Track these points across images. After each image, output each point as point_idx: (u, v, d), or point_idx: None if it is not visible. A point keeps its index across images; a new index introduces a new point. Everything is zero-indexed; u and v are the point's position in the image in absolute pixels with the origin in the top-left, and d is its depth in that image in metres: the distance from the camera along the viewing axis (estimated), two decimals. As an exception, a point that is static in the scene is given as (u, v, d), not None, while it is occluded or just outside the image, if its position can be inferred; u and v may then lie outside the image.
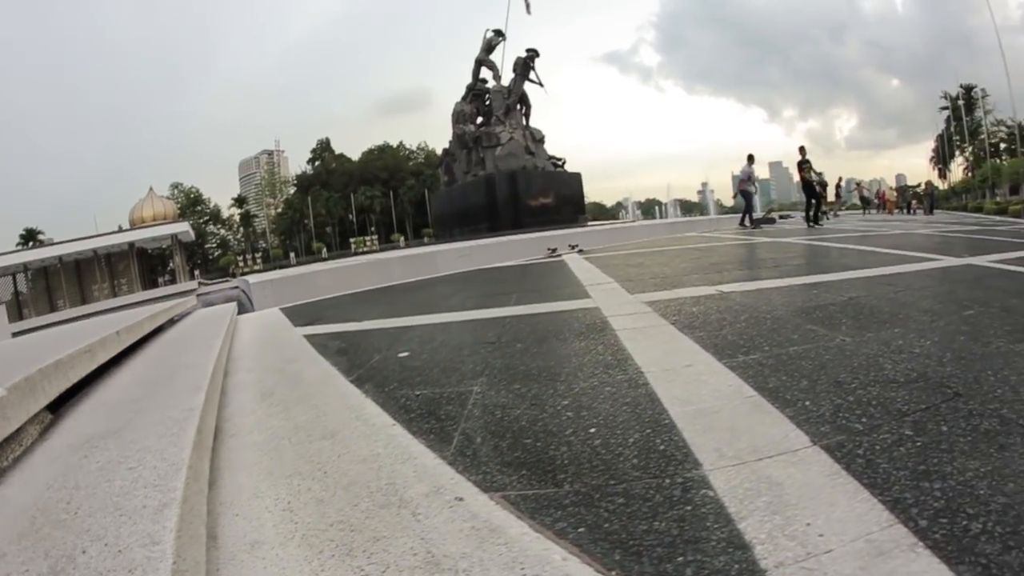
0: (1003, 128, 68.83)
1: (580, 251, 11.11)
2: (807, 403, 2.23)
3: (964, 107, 73.67)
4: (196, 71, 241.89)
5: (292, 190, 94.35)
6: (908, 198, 42.92)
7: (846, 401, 2.23)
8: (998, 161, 59.05)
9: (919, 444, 1.84)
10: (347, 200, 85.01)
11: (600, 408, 2.31)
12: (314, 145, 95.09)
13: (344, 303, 7.21)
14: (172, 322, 5.63)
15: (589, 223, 24.63)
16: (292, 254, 72.78)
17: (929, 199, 37.53)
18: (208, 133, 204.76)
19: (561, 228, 18.07)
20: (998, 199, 50.55)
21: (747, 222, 18.16)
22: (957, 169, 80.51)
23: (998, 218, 26.84)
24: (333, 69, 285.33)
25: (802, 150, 17.34)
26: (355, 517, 1.53)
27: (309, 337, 4.61)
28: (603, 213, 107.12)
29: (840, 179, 39.47)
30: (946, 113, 79.87)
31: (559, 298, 5.29)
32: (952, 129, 76.60)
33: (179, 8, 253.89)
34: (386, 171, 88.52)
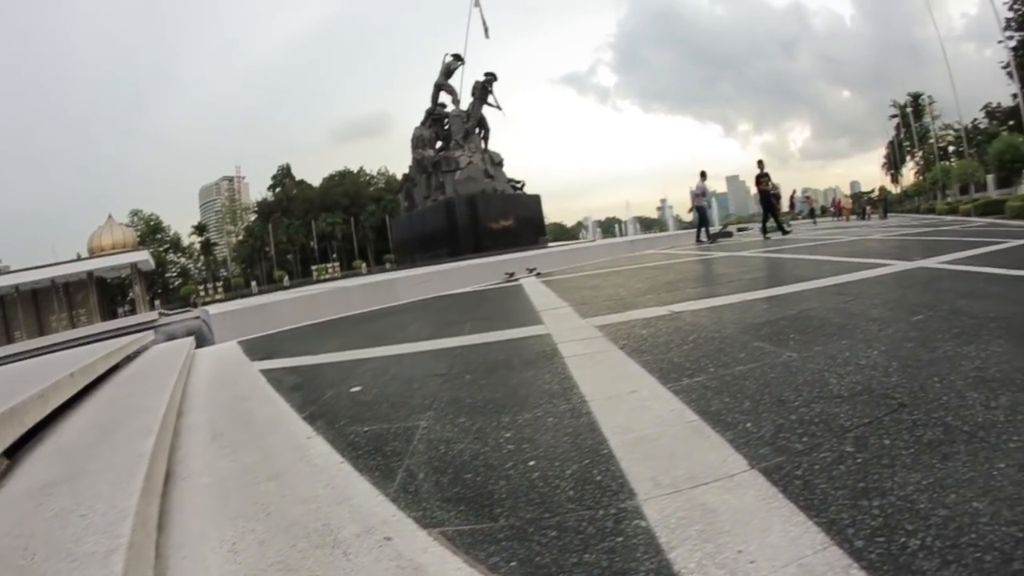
0: (951, 132, 71.89)
1: (538, 274, 11.20)
2: (748, 425, 2.27)
3: (912, 114, 77.32)
4: (158, 92, 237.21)
5: (253, 217, 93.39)
6: (863, 204, 44.42)
7: (788, 421, 2.26)
8: (947, 163, 61.41)
9: (859, 461, 1.87)
10: (308, 227, 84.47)
11: (541, 440, 2.35)
12: (275, 171, 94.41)
13: (303, 335, 7.20)
14: (129, 358, 5.60)
15: (549, 244, 24.85)
16: (254, 283, 71.97)
17: (883, 204, 38.93)
18: (169, 157, 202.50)
19: (521, 251, 18.23)
20: (949, 199, 52.72)
21: (704, 237, 18.57)
22: (909, 173, 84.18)
23: (949, 217, 27.85)
24: (294, 93, 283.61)
25: (760, 163, 17.88)
26: (293, 557, 1.58)
27: (266, 372, 4.62)
28: (564, 233, 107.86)
29: (793, 191, 40.69)
30: (895, 121, 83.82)
31: (512, 325, 5.33)
32: (902, 136, 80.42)
33: (140, 27, 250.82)
34: (347, 197, 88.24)
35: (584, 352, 3.78)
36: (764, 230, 17.53)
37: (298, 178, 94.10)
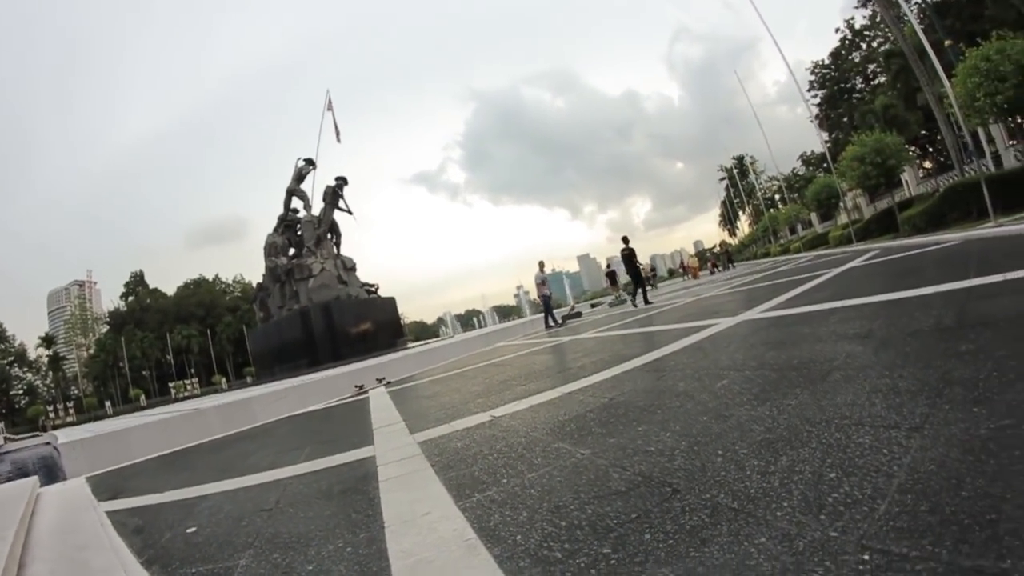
0: (775, 182, 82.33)
1: (387, 384, 11.33)
2: (519, 538, 2.37)
3: (739, 174, 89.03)
4: (6, 183, 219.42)
5: (105, 328, 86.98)
6: (708, 260, 48.45)
7: (557, 528, 2.36)
8: (774, 211, 69.80)
9: (612, 562, 1.94)
10: (164, 340, 79.57)
11: (335, 570, 2.56)
12: (128, 277, 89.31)
13: (153, 468, 7.03)
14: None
15: (409, 345, 25.01)
16: (108, 403, 66.48)
17: (726, 256, 42.75)
18: (15, 256, 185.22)
19: (380, 355, 18.39)
20: (781, 241, 59.66)
21: (551, 322, 19.69)
22: (744, 225, 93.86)
23: (783, 258, 31.06)
24: (148, 195, 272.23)
25: (625, 239, 19.72)
26: None
27: (111, 514, 4.56)
28: (425, 331, 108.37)
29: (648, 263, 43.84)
30: (725, 182, 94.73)
31: (344, 448, 5.48)
32: (732, 194, 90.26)
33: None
34: (202, 307, 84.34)
35: (398, 474, 4.02)
36: (634, 300, 19.55)
37: (152, 286, 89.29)
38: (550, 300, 20.59)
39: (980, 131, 28.85)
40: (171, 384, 69.39)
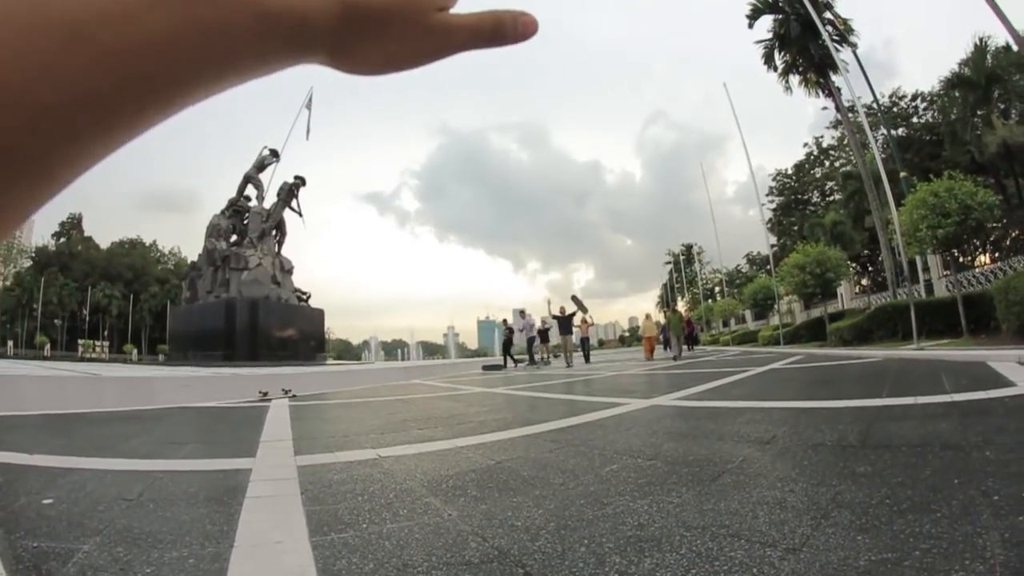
0: (718, 275, 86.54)
1: (293, 396, 11.12)
2: None
3: (684, 261, 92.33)
4: None
5: (28, 263, 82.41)
6: (660, 331, 48.20)
7: None
8: (711, 302, 73.37)
9: None
10: (84, 293, 75.87)
11: None
12: (65, 217, 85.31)
13: (32, 425, 6.84)
14: None
15: (328, 361, 24.63)
16: (11, 342, 62.80)
17: (686, 328, 42.80)
18: None
19: (296, 364, 18.09)
20: (712, 332, 61.88)
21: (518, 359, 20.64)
22: (681, 310, 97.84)
23: (711, 347, 31.63)
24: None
25: (574, 298, 20.46)
26: None
27: None
28: (348, 351, 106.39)
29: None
30: (670, 267, 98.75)
31: (225, 454, 5.42)
32: (674, 278, 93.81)
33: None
34: (132, 271, 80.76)
35: (267, 494, 3.97)
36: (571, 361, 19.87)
37: (87, 233, 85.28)
38: (510, 343, 21.58)
39: (917, 259, 30.66)
40: (80, 341, 65.90)
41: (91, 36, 0.26)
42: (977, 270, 34.70)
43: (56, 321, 75.37)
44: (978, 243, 36.05)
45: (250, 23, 0.31)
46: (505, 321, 23.11)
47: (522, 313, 21.48)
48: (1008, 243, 44.59)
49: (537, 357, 23.24)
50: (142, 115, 0.30)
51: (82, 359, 44.49)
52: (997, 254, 43.47)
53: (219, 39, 0.30)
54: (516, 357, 22.24)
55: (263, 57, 0.34)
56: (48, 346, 64.28)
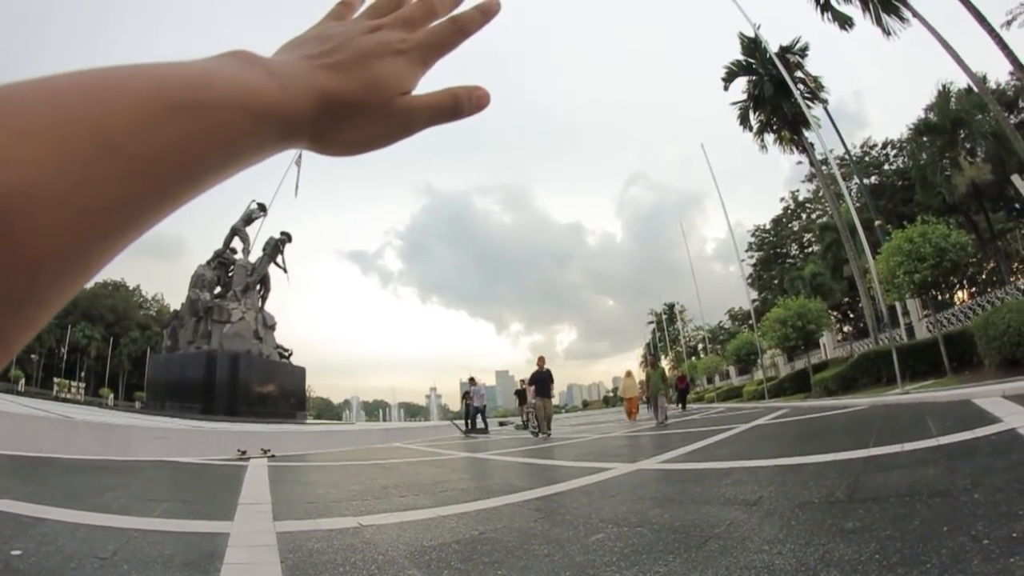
0: (701, 332, 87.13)
1: (271, 456, 10.90)
2: None
3: (667, 320, 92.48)
4: None
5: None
6: (640, 390, 47.34)
7: None
8: (695, 360, 73.43)
9: None
10: (64, 331, 74.94)
11: None
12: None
13: (1, 464, 6.63)
14: None
15: (308, 420, 24.29)
16: (-19, 377, 61.38)
17: (677, 386, 42.16)
18: None
19: (276, 422, 17.77)
20: (697, 390, 61.59)
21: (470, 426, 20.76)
22: (665, 368, 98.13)
23: (695, 405, 31.45)
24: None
25: (541, 360, 19.74)
26: None
27: None
28: (329, 410, 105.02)
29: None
30: (652, 326, 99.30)
31: (202, 516, 5.26)
32: (657, 337, 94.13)
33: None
34: (113, 313, 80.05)
35: (245, 562, 3.82)
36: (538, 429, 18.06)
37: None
38: (477, 409, 21.47)
39: (897, 303, 30.95)
40: (56, 379, 64.33)
41: (118, 147, 0.30)
42: (956, 307, 35.28)
43: (32, 356, 74.03)
44: (955, 280, 36.74)
45: (248, 123, 0.36)
46: (467, 394, 23.12)
47: (472, 381, 21.42)
48: (984, 277, 45.72)
49: (521, 420, 22.88)
50: (160, 210, 0.34)
51: (56, 398, 43.29)
52: (974, 289, 44.47)
53: (223, 138, 0.35)
54: (473, 424, 22.12)
55: (259, 148, 0.39)
56: (23, 381, 62.71)
